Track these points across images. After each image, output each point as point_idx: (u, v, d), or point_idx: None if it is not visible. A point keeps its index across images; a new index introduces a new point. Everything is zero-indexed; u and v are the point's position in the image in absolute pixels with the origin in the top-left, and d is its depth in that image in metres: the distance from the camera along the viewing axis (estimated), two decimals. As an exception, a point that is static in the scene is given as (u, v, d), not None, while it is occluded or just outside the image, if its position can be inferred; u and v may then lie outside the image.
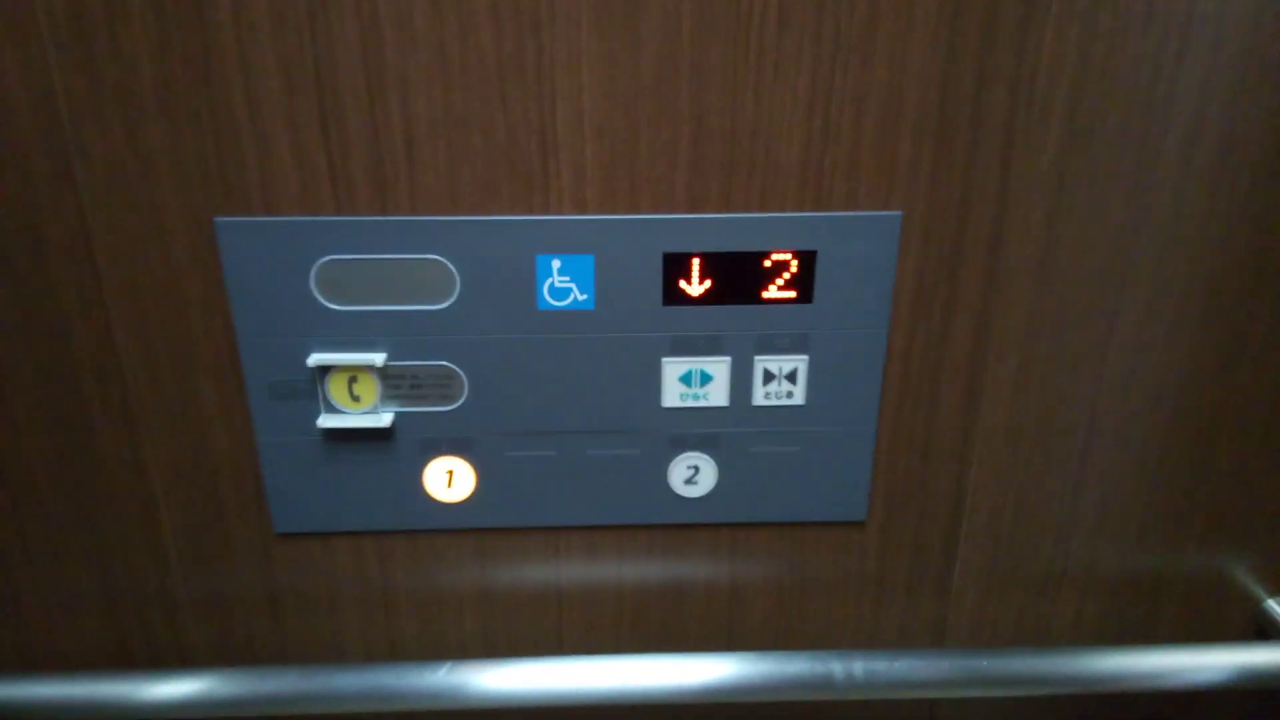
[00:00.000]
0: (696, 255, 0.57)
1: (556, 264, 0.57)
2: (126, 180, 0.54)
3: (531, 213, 0.56)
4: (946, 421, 0.63)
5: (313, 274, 0.56)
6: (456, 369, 0.60)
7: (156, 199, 0.54)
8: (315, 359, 0.58)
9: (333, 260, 0.56)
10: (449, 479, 0.63)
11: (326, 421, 0.60)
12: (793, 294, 0.58)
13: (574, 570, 0.67)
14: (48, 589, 0.66)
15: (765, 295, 0.58)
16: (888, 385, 0.62)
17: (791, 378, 0.61)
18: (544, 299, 0.58)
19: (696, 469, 0.64)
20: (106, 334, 0.58)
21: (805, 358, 0.60)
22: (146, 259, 0.56)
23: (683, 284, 0.58)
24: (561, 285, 0.58)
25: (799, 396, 0.62)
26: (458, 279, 0.57)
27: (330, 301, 0.57)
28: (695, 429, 0.62)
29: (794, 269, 0.58)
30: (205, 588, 0.66)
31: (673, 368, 0.60)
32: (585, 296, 0.58)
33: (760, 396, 0.62)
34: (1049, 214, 0.57)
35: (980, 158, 0.55)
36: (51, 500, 0.62)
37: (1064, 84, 0.54)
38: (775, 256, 0.57)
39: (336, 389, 0.60)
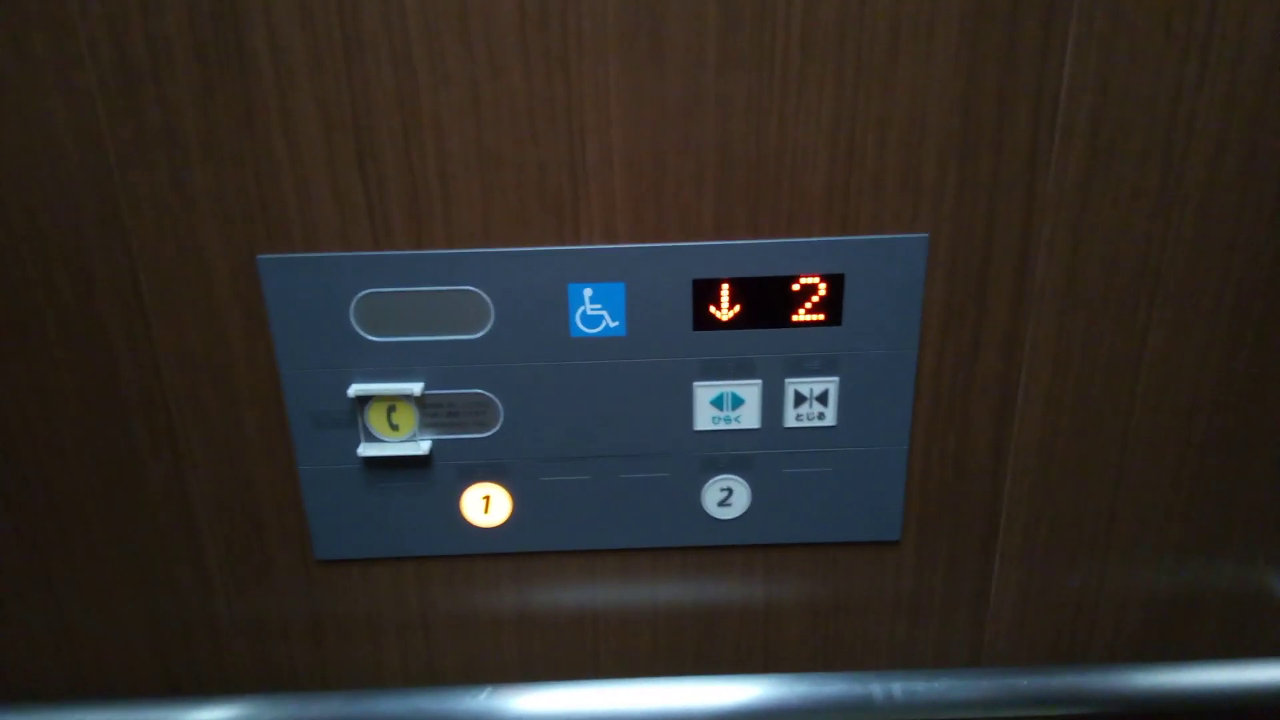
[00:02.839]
0: (726, 281, 0.58)
1: (588, 292, 0.58)
2: (172, 221, 0.56)
3: (563, 243, 0.57)
4: (979, 439, 0.63)
5: (352, 307, 0.58)
6: (492, 396, 0.61)
7: (201, 238, 0.56)
8: (355, 389, 0.59)
9: (371, 293, 0.58)
10: (486, 504, 0.64)
11: (366, 450, 0.61)
12: (822, 317, 0.59)
13: (609, 593, 0.68)
14: (94, 616, 0.67)
15: (795, 319, 0.59)
16: (919, 405, 0.62)
17: (823, 399, 0.62)
18: (576, 326, 0.59)
19: (730, 491, 0.64)
20: (153, 368, 0.59)
21: (836, 379, 0.61)
22: (191, 296, 0.58)
23: (712, 309, 0.59)
24: (593, 313, 0.59)
25: (830, 418, 0.62)
26: (492, 309, 0.58)
27: (369, 333, 0.59)
28: (728, 451, 0.63)
29: (822, 292, 0.58)
30: (248, 614, 0.67)
31: (704, 391, 0.61)
32: (617, 323, 0.59)
33: (792, 418, 0.62)
34: (1075, 232, 0.58)
35: (1004, 178, 0.56)
36: (98, 529, 0.64)
37: (1085, 105, 0.55)
38: (804, 280, 0.58)
39: (376, 418, 0.61)
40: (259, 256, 0.56)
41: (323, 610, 0.68)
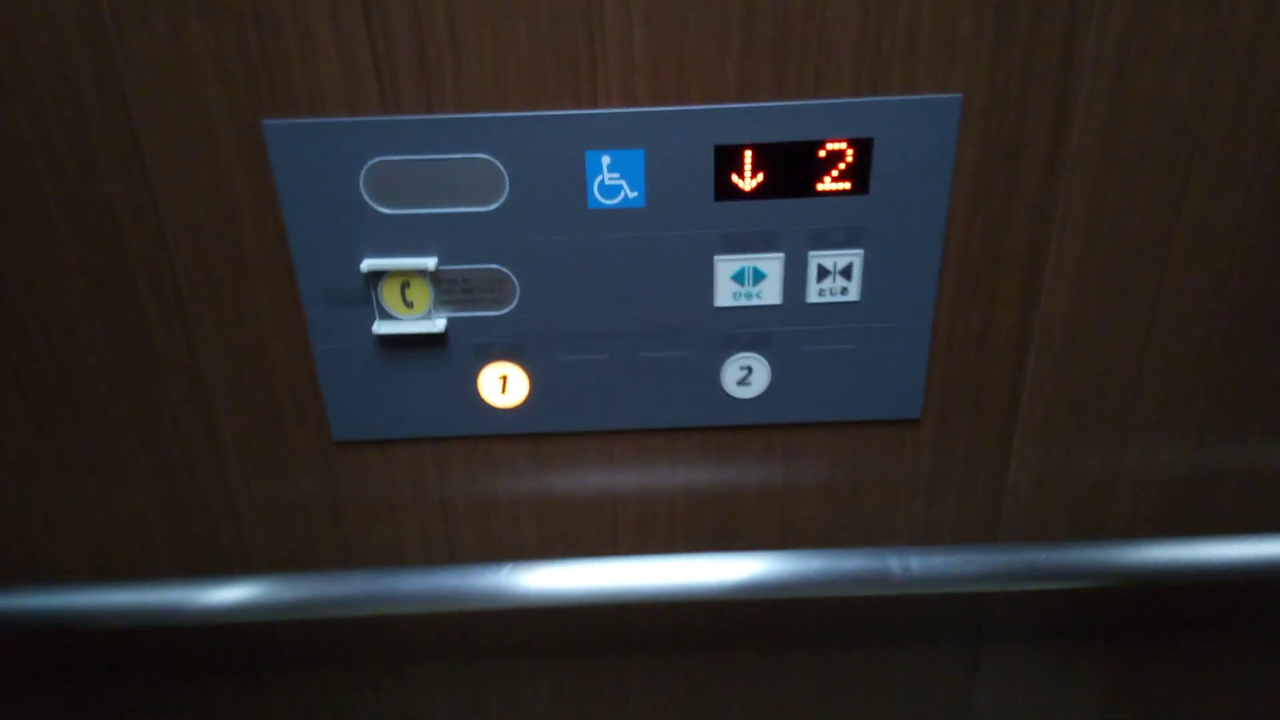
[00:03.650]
0: (749, 147, 0.56)
1: (606, 160, 0.56)
2: (172, 83, 0.53)
3: (580, 106, 0.55)
4: (1005, 314, 0.62)
5: (362, 176, 0.56)
6: (508, 272, 0.59)
7: (203, 100, 0.54)
8: (368, 264, 0.58)
9: (381, 162, 0.56)
10: (503, 384, 0.63)
11: (381, 328, 0.60)
12: (848, 185, 0.57)
13: (627, 474, 0.68)
14: (113, 499, 0.67)
15: (820, 188, 0.57)
16: (945, 278, 0.61)
17: (846, 273, 0.60)
18: (594, 198, 0.57)
19: (749, 369, 0.63)
20: (159, 240, 0.58)
21: (860, 252, 0.59)
22: (196, 162, 0.56)
23: (734, 178, 0.57)
24: (611, 183, 0.57)
25: (854, 292, 0.61)
26: (506, 179, 0.56)
27: (380, 205, 0.57)
28: (748, 329, 0.62)
29: (849, 159, 0.56)
30: (267, 496, 0.67)
31: (725, 266, 0.60)
32: (636, 194, 0.57)
33: (814, 293, 0.61)
34: (1113, 91, 0.55)
35: (1043, 32, 0.53)
36: (113, 411, 0.63)
37: (1133, -50, 0.52)
38: (830, 146, 0.56)
39: (390, 294, 0.60)
40: (265, 122, 0.54)
41: (342, 491, 0.67)
